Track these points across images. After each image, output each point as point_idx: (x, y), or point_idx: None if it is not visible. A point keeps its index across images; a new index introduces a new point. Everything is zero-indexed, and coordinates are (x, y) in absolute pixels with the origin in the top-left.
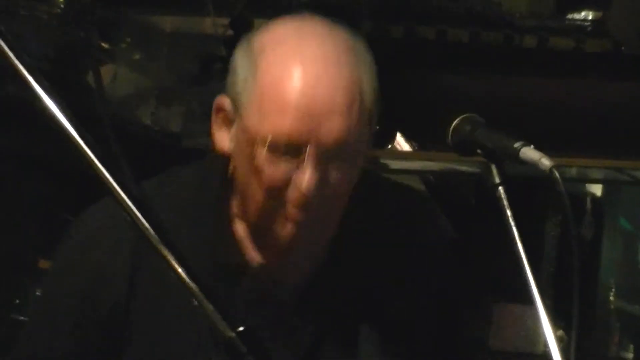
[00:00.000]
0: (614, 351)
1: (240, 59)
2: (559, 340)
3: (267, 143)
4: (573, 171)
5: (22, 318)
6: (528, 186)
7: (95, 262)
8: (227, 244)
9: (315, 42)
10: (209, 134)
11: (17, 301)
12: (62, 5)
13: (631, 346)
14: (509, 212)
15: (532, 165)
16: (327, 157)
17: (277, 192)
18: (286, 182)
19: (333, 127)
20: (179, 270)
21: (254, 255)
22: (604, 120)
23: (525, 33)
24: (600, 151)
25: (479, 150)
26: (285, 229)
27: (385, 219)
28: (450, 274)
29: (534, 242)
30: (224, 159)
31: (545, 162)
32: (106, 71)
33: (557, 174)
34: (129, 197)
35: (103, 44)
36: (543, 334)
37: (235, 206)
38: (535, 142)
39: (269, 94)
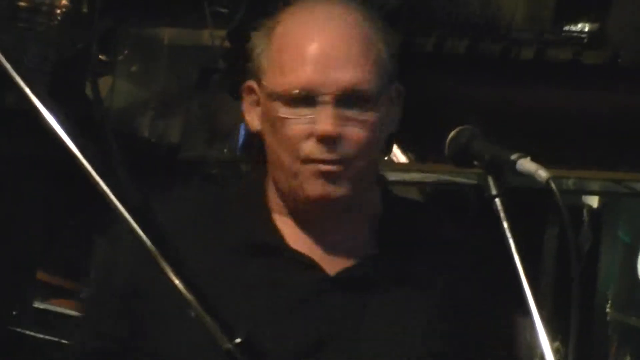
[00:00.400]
0: None
1: (256, 39)
2: (556, 351)
3: (287, 94)
4: (570, 183)
5: (19, 330)
6: (525, 198)
7: (122, 258)
8: (266, 228)
9: (327, 5)
10: (207, 144)
11: (15, 313)
12: (60, 17)
13: (628, 357)
14: (506, 224)
15: (529, 177)
16: (343, 101)
17: (302, 146)
18: (309, 133)
19: (346, 74)
20: (177, 282)
21: (291, 238)
22: (601, 132)
23: (523, 44)
24: (598, 162)
25: (475, 162)
26: (317, 187)
27: (421, 218)
28: (492, 271)
29: (532, 253)
30: (264, 167)
31: (542, 173)
32: (105, 82)
33: (553, 186)
34: (126, 210)
35: (101, 56)
36: (540, 345)
37: (273, 196)
38: (533, 153)
39: (285, 51)
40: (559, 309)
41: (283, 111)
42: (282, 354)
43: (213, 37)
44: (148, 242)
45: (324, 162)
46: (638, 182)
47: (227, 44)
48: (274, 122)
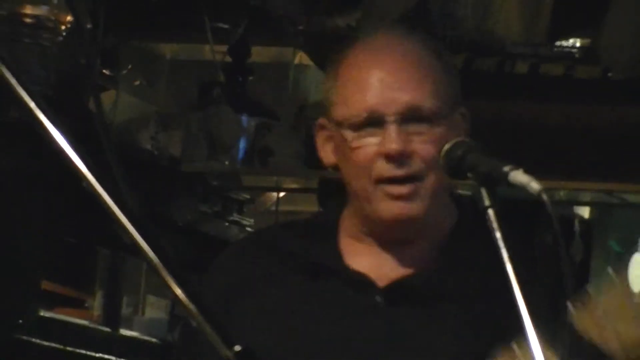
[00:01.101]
0: None
1: (325, 79)
2: None
3: (353, 120)
4: (562, 194)
5: (25, 338)
6: (517, 209)
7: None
8: (326, 249)
9: (386, 36)
10: (207, 157)
11: (20, 321)
12: (64, 33)
13: None
14: (498, 234)
15: (522, 189)
16: (406, 120)
17: (373, 168)
18: (378, 153)
19: (405, 95)
20: (179, 292)
21: (352, 258)
22: (593, 144)
23: (517, 59)
24: (590, 174)
25: (469, 174)
26: (391, 207)
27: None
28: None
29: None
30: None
31: (534, 185)
32: (108, 97)
33: (545, 198)
34: (129, 220)
35: (105, 71)
36: (532, 354)
37: (349, 224)
38: (526, 165)
39: (350, 82)
40: (551, 318)
41: (352, 137)
42: None
43: (214, 52)
44: (150, 254)
45: (395, 180)
46: (629, 193)
47: (228, 58)
48: (346, 151)
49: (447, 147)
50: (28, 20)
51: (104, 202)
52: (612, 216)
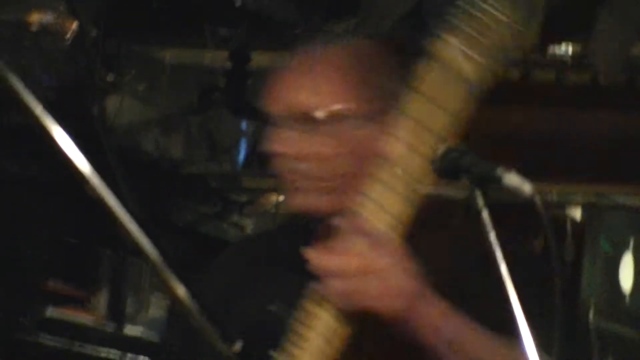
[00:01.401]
0: None
1: None
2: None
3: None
4: (554, 196)
5: (27, 339)
6: (509, 211)
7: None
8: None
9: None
10: (207, 160)
11: (23, 321)
12: (68, 39)
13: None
14: (492, 235)
15: (514, 190)
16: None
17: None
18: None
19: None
20: (179, 291)
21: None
22: (583, 147)
23: (511, 67)
24: (582, 177)
25: (463, 176)
26: (291, 200)
27: None
28: None
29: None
30: None
31: (527, 187)
32: (111, 101)
33: (538, 200)
34: (131, 221)
35: (108, 76)
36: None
37: None
38: (519, 168)
39: None
40: (543, 317)
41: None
42: None
43: (215, 57)
44: (151, 254)
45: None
46: (619, 195)
47: (228, 64)
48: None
49: (441, 150)
50: (34, 26)
51: (107, 204)
52: (603, 217)
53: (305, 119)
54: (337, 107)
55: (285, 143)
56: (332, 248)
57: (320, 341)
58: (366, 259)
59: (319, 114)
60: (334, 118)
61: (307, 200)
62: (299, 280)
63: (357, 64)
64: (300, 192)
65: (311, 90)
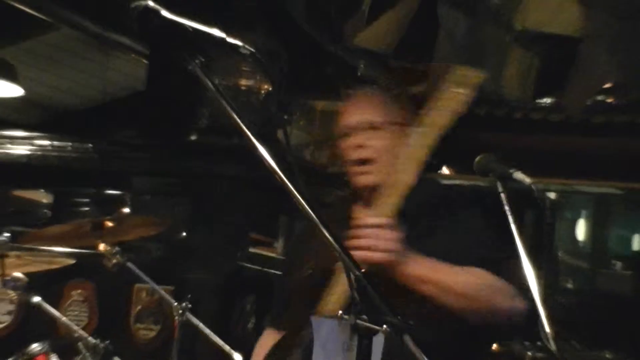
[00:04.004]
0: (559, 287)
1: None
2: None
3: (341, 132)
4: (540, 185)
5: (241, 264)
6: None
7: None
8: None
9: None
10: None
11: (239, 255)
12: (263, 94)
13: (570, 283)
14: (508, 210)
15: (520, 182)
16: (363, 128)
17: (349, 157)
18: (351, 148)
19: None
20: (325, 232)
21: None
22: (557, 158)
23: (515, 110)
24: (558, 174)
25: (490, 173)
26: (358, 178)
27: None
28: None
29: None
30: None
31: (527, 180)
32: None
33: (534, 187)
34: (304, 200)
35: (284, 116)
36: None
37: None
38: (522, 169)
39: None
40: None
41: (342, 142)
42: None
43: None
44: (311, 215)
45: (360, 162)
46: (577, 185)
47: None
48: (340, 150)
49: (478, 158)
50: (243, 87)
51: (287, 188)
52: (568, 198)
53: (369, 127)
54: (382, 120)
55: (359, 140)
56: (362, 219)
57: (342, 289)
58: (375, 230)
59: (377, 124)
60: (382, 126)
61: (367, 178)
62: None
63: (386, 100)
64: (362, 172)
65: (372, 112)
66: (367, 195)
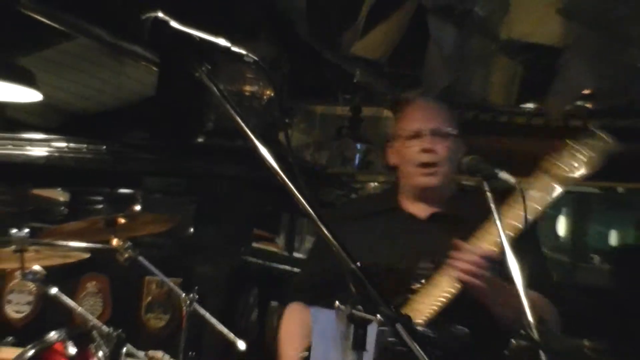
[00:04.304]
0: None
1: (395, 120)
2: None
3: (407, 134)
4: (522, 184)
5: (244, 258)
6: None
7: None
8: (394, 202)
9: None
10: (340, 165)
11: (242, 250)
12: (265, 100)
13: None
14: (493, 205)
15: (506, 181)
16: (433, 134)
17: (416, 159)
18: (420, 151)
19: (433, 123)
20: (323, 228)
21: (407, 205)
22: (544, 157)
23: (500, 114)
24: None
25: (478, 174)
26: (424, 179)
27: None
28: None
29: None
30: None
31: (511, 179)
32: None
33: (518, 186)
34: (303, 198)
35: (285, 119)
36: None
37: (401, 189)
38: (507, 169)
39: (407, 118)
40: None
41: (407, 142)
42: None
43: (343, 110)
44: (311, 213)
45: (427, 165)
46: None
47: (349, 113)
48: (402, 151)
49: (466, 159)
50: (247, 93)
51: (289, 187)
52: None
53: (437, 134)
54: (448, 129)
55: (427, 143)
56: (468, 248)
57: (438, 293)
58: (478, 260)
59: (444, 132)
60: (447, 135)
61: (432, 180)
62: (380, 218)
63: (449, 111)
64: (428, 173)
65: (439, 121)
66: (428, 195)
